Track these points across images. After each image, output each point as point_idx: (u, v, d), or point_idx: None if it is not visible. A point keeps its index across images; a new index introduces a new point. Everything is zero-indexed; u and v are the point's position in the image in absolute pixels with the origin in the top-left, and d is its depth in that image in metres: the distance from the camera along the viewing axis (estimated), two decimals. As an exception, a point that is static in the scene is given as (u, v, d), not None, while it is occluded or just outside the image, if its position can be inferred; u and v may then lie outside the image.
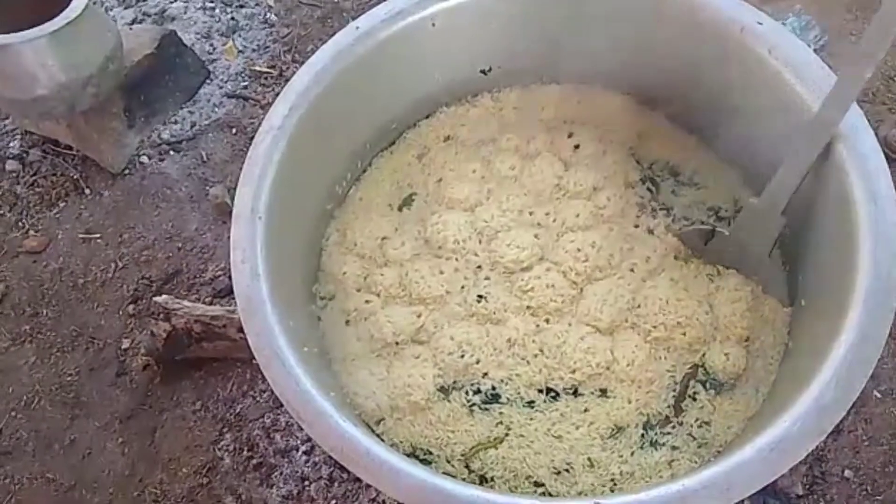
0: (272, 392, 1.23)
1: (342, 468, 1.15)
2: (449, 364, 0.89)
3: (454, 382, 0.89)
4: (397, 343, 0.91)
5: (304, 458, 1.17)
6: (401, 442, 0.86)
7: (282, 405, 1.19)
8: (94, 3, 1.32)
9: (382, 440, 0.84)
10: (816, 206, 0.82)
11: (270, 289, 0.76)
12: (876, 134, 0.80)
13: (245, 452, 1.19)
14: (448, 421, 0.86)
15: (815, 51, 0.87)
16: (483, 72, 1.06)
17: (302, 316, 0.86)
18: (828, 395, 0.67)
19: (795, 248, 0.88)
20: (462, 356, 0.89)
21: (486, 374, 0.89)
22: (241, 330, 1.19)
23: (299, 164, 0.86)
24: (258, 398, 1.23)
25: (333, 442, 0.68)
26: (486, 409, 0.87)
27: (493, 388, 0.88)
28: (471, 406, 0.87)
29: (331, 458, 1.15)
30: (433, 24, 0.93)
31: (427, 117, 1.09)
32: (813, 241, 0.84)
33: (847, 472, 1.10)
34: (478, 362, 0.89)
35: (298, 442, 1.18)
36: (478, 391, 0.88)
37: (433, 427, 0.86)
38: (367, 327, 0.92)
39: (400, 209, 1.04)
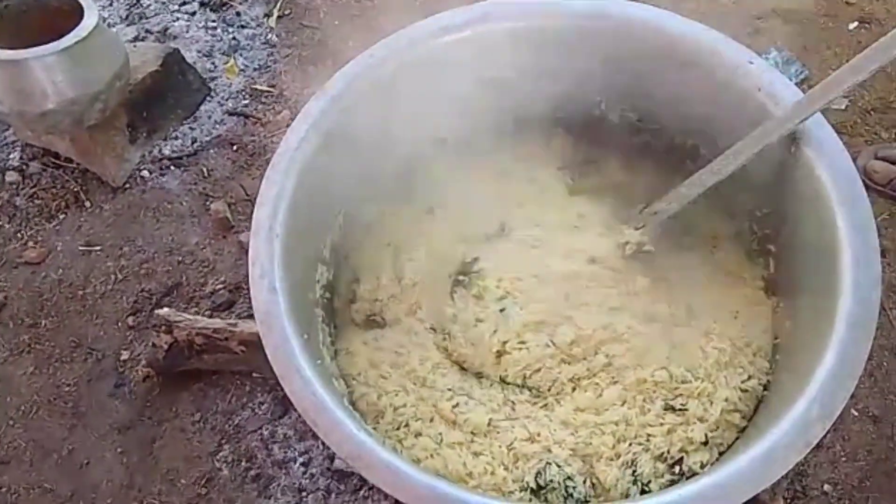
0: (270, 404, 1.26)
1: (340, 480, 1.18)
2: None
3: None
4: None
5: (302, 469, 1.19)
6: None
7: (280, 417, 1.24)
8: (103, 22, 1.35)
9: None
10: (797, 224, 0.88)
11: (286, 303, 0.79)
12: (854, 164, 0.87)
13: (243, 464, 1.21)
14: None
15: (795, 84, 0.92)
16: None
17: (313, 331, 0.89)
18: (813, 410, 0.71)
19: (780, 272, 0.93)
20: None
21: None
22: (242, 343, 1.23)
23: (313, 184, 0.89)
24: (256, 410, 1.26)
25: (350, 449, 0.71)
26: None
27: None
28: None
29: (328, 470, 1.18)
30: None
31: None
32: (796, 264, 0.89)
33: (826, 487, 1.15)
34: None
35: (296, 454, 1.20)
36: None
37: None
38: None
39: None
